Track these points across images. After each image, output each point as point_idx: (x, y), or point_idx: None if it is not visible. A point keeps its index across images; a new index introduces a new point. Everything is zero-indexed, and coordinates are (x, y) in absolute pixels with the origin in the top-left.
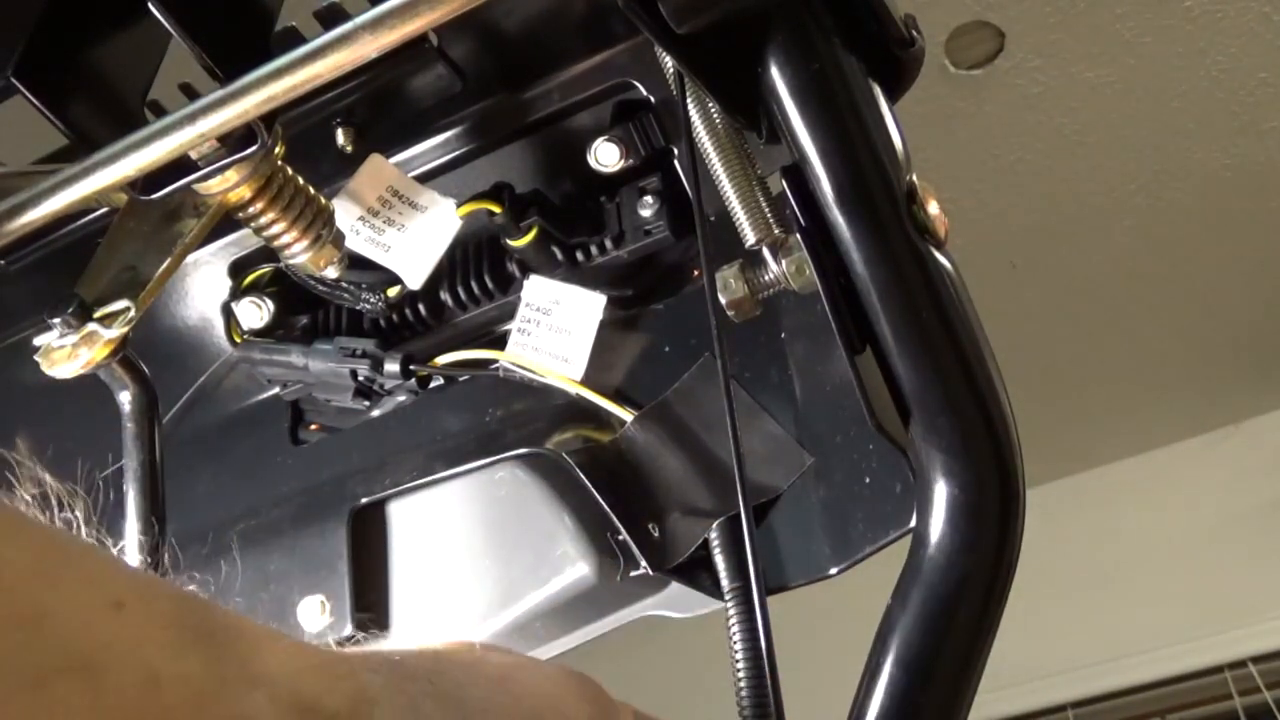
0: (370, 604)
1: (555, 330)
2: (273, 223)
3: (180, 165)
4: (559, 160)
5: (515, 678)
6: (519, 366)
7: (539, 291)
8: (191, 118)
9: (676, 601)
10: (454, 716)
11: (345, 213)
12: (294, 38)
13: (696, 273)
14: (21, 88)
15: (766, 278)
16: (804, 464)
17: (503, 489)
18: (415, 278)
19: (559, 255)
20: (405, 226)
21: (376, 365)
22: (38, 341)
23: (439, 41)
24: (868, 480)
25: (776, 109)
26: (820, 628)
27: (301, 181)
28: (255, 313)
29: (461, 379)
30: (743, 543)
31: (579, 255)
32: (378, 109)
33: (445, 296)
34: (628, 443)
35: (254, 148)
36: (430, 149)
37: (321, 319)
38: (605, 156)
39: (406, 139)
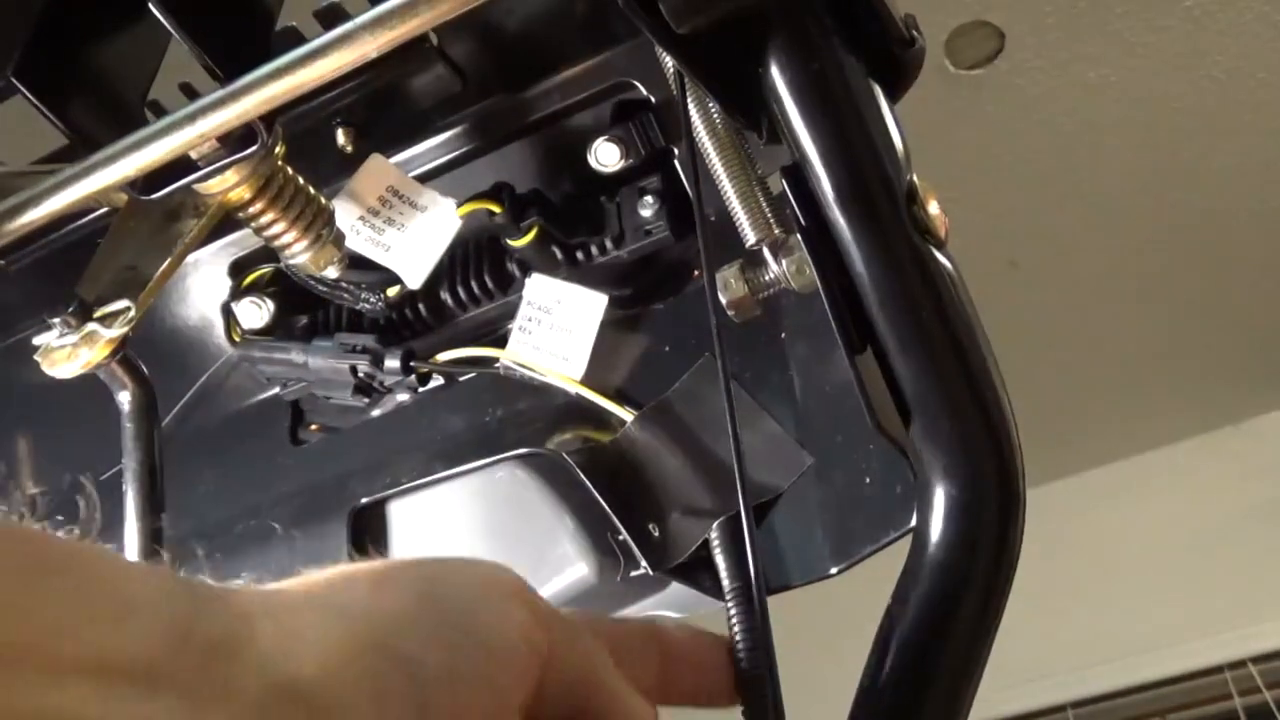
0: None
1: (556, 329)
2: (273, 223)
3: (180, 165)
4: (559, 160)
5: (439, 582)
6: (519, 365)
7: (541, 290)
8: (191, 118)
9: (676, 601)
10: (358, 626)
11: (345, 213)
12: (294, 38)
13: (696, 273)
14: (21, 88)
15: (766, 278)
16: (804, 464)
17: (503, 489)
18: (415, 277)
19: (559, 255)
20: (405, 226)
21: (377, 361)
22: (38, 341)
23: (439, 41)
24: (868, 480)
25: (776, 109)
26: (820, 628)
27: (302, 181)
28: (255, 313)
29: (462, 379)
30: (743, 543)
31: (579, 255)
32: (378, 109)
33: (445, 296)
34: (628, 443)
35: (254, 148)
36: (430, 149)
37: (321, 319)
38: (605, 156)
39: (406, 139)
